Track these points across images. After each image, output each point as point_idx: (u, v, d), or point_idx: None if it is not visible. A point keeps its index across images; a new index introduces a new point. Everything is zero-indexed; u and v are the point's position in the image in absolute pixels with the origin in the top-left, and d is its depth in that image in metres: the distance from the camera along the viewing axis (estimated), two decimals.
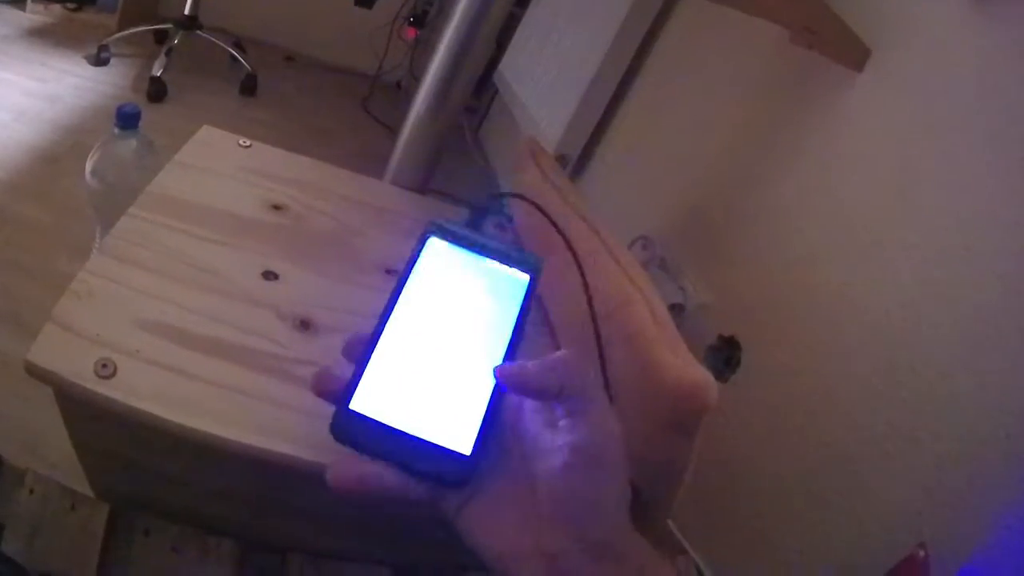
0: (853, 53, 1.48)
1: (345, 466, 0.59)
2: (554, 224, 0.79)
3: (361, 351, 0.61)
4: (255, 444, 0.79)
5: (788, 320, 1.56)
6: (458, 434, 0.60)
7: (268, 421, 0.82)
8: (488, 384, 0.62)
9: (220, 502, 0.97)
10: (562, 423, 0.58)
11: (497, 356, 0.63)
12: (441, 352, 0.63)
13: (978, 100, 1.26)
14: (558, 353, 0.60)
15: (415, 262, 0.66)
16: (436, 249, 0.67)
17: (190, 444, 0.79)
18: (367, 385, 0.60)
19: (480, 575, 1.07)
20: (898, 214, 1.35)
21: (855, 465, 1.34)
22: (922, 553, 1.13)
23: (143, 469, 0.94)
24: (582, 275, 0.75)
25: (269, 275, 1.02)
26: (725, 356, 1.67)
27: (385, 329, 0.62)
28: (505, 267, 0.68)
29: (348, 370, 0.60)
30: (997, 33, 1.25)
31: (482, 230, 0.78)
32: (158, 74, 2.99)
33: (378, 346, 0.61)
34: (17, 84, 2.77)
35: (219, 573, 0.94)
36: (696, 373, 0.84)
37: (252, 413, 0.82)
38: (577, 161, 2.56)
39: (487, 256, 0.68)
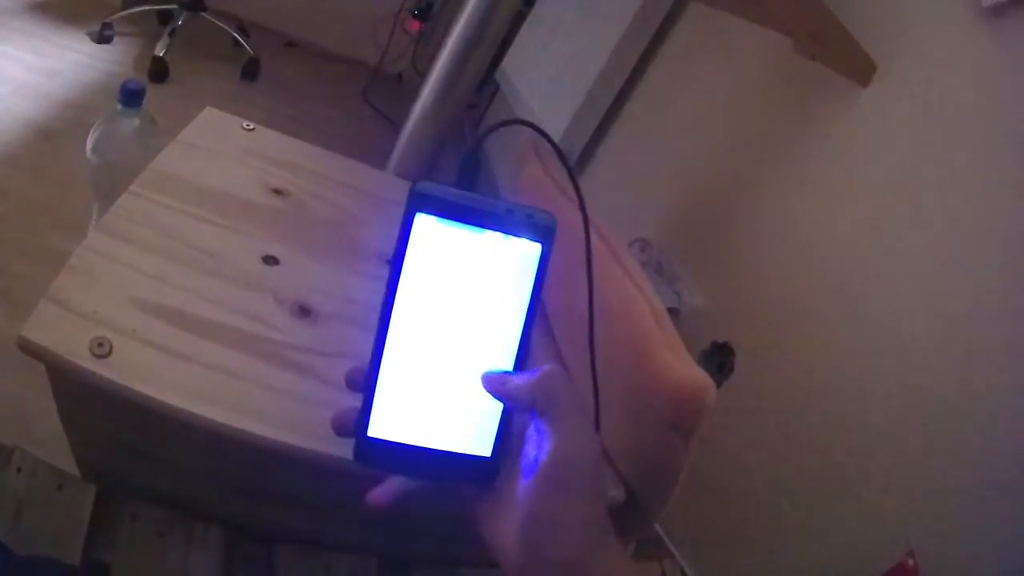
0: (859, 67, 1.47)
1: (381, 490, 0.61)
2: (579, 198, 0.71)
3: (366, 375, 0.59)
4: (248, 429, 0.78)
5: (782, 327, 1.56)
6: (477, 438, 0.60)
7: (263, 406, 0.81)
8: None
9: (209, 487, 0.96)
10: (534, 439, 0.58)
11: (511, 346, 0.60)
12: (449, 356, 0.60)
13: (985, 117, 1.26)
14: (545, 368, 0.59)
15: (404, 253, 0.58)
16: (426, 230, 0.57)
17: (182, 427, 0.78)
18: (380, 409, 0.59)
19: (473, 571, 1.07)
20: (899, 226, 1.35)
21: (845, 472, 1.34)
22: (911, 561, 1.13)
23: (133, 450, 0.93)
24: (589, 271, 0.71)
25: (269, 259, 1.01)
26: (718, 362, 1.66)
27: (386, 343, 0.58)
28: (511, 238, 0.59)
29: (355, 398, 0.59)
30: (1007, 49, 1.25)
31: (476, 184, 0.68)
32: (160, 54, 2.98)
33: (383, 363, 0.58)
34: (18, 58, 2.75)
35: (206, 559, 0.93)
36: (696, 375, 0.84)
37: (247, 398, 0.82)
38: (577, 160, 2.55)
39: (487, 228, 0.58)
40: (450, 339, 0.59)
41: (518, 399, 0.58)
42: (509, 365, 0.60)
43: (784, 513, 1.46)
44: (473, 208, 0.58)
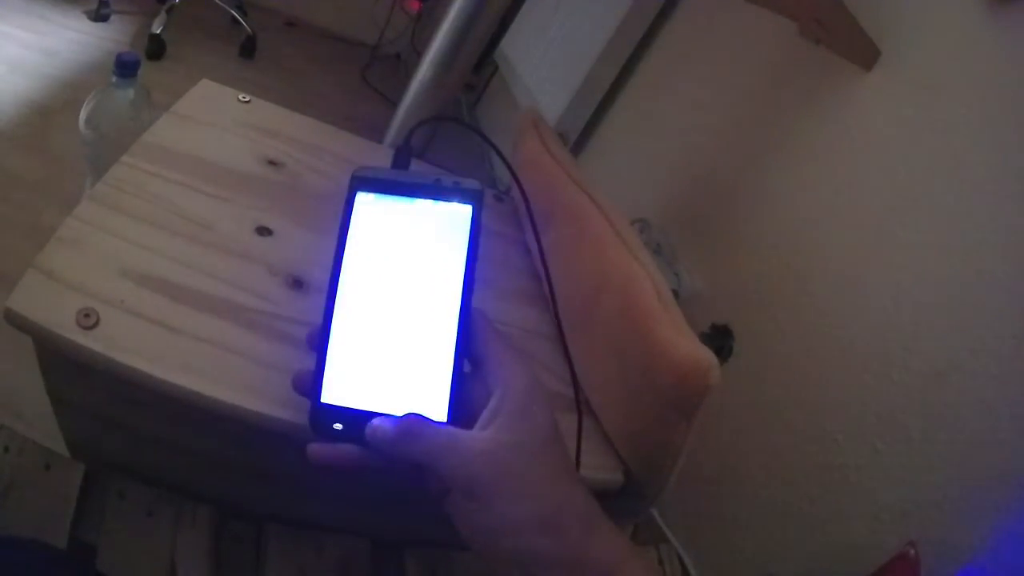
0: (863, 52, 1.46)
1: (328, 446, 0.62)
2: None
3: (317, 342, 0.63)
4: (238, 403, 0.77)
5: (782, 311, 1.55)
6: (432, 402, 0.62)
7: (253, 380, 0.80)
8: (451, 340, 0.63)
9: (199, 465, 0.95)
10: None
11: (454, 304, 0.64)
12: (397, 319, 0.64)
13: (989, 105, 1.25)
14: (403, 421, 0.59)
15: (347, 227, 0.66)
16: (366, 205, 0.67)
17: (171, 401, 0.76)
18: (332, 374, 0.62)
19: (465, 554, 1.06)
20: (900, 212, 1.34)
21: (844, 460, 1.34)
22: (912, 552, 1.12)
23: (121, 427, 0.91)
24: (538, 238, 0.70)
25: (262, 231, 1.00)
26: (717, 345, 1.65)
27: (335, 311, 0.64)
28: (443, 204, 0.66)
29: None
30: (1011, 36, 1.23)
31: (409, 166, 0.76)
32: (158, 32, 2.96)
33: (333, 330, 0.64)
34: (14, 37, 2.73)
35: (194, 539, 0.92)
36: (699, 352, 0.83)
37: (237, 371, 0.80)
38: (576, 141, 2.55)
39: (421, 197, 0.66)
40: (397, 302, 0.65)
41: (391, 457, 0.60)
42: (453, 321, 0.63)
43: (782, 500, 1.45)
44: (405, 182, 0.67)
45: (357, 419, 0.61)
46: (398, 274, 0.65)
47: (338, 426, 0.61)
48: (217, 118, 1.19)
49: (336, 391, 0.62)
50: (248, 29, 3.37)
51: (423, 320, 0.64)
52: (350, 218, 0.66)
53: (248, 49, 3.41)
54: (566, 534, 0.55)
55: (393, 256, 0.65)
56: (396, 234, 0.66)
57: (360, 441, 0.61)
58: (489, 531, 0.57)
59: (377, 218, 0.66)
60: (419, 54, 1.53)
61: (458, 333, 0.63)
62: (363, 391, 0.62)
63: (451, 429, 0.59)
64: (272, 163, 1.15)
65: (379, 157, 1.34)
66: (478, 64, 2.12)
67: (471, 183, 0.67)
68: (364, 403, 0.61)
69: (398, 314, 0.64)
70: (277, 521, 0.98)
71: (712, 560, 1.58)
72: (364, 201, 0.67)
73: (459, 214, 0.66)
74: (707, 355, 0.83)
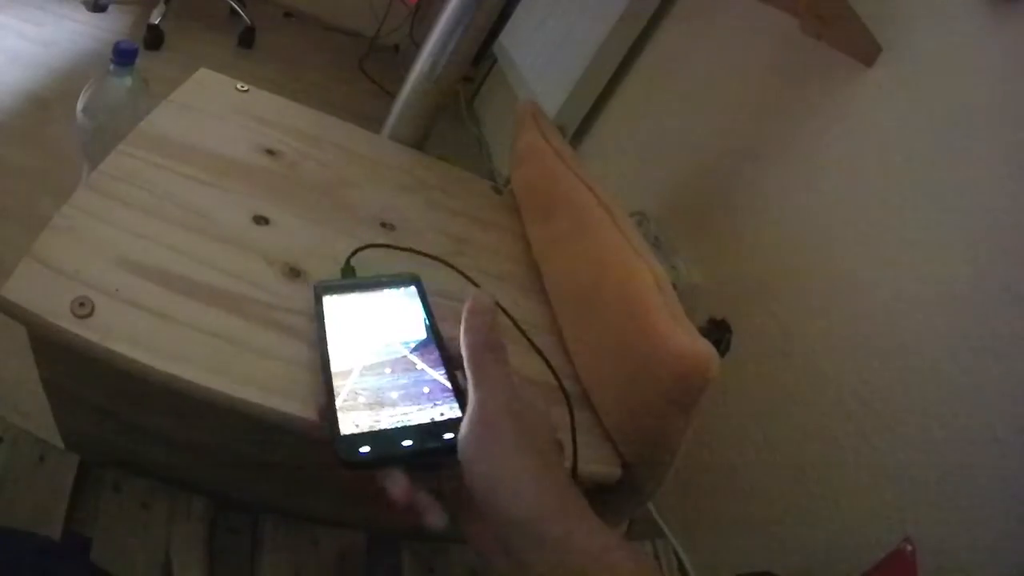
0: (864, 47, 1.46)
1: (399, 489, 0.63)
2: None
3: (323, 391, 0.70)
4: (235, 394, 0.76)
5: (781, 307, 1.54)
6: (442, 404, 0.69)
7: (250, 370, 0.79)
8: (435, 362, 0.75)
9: (194, 457, 0.94)
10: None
11: (428, 341, 0.77)
12: (386, 355, 0.75)
13: (990, 104, 1.25)
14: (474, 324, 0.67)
15: (323, 318, 0.80)
16: (333, 301, 0.82)
17: (166, 391, 0.75)
18: (345, 413, 0.68)
19: (462, 547, 1.06)
20: (900, 209, 1.34)
21: (842, 457, 1.33)
22: (909, 548, 1.11)
23: (116, 418, 0.91)
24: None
25: (260, 220, 0.99)
26: (715, 339, 1.65)
27: (331, 360, 0.74)
28: (393, 288, 0.84)
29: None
30: (1014, 36, 1.23)
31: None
32: (156, 22, 2.95)
33: (334, 379, 0.71)
34: (12, 27, 2.72)
35: (189, 531, 0.91)
36: (699, 346, 0.82)
37: (233, 361, 0.79)
38: (575, 133, 2.55)
39: (375, 288, 0.84)
40: (382, 345, 0.76)
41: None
42: (436, 356, 0.75)
43: (779, 497, 1.45)
44: (361, 282, 0.87)
45: (382, 440, 0.65)
46: (376, 330, 0.78)
47: (365, 448, 0.64)
48: (215, 107, 1.18)
49: (352, 424, 0.66)
50: (247, 20, 3.36)
51: (412, 364, 0.74)
52: (323, 313, 0.80)
53: (247, 40, 3.39)
54: (561, 514, 0.56)
55: (367, 321, 0.80)
56: (365, 314, 0.81)
57: (392, 461, 0.64)
58: (512, 467, 0.57)
59: (346, 308, 0.81)
60: (417, 45, 1.53)
61: (444, 363, 0.74)
62: (378, 418, 0.68)
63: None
64: (270, 152, 1.14)
65: (376, 147, 1.34)
66: (477, 56, 2.12)
67: (410, 273, 0.87)
68: (384, 424, 0.67)
69: (387, 353, 0.75)
70: (272, 512, 0.98)
71: (709, 557, 1.58)
72: (331, 300, 0.82)
73: (408, 290, 0.84)
74: (707, 348, 0.82)
